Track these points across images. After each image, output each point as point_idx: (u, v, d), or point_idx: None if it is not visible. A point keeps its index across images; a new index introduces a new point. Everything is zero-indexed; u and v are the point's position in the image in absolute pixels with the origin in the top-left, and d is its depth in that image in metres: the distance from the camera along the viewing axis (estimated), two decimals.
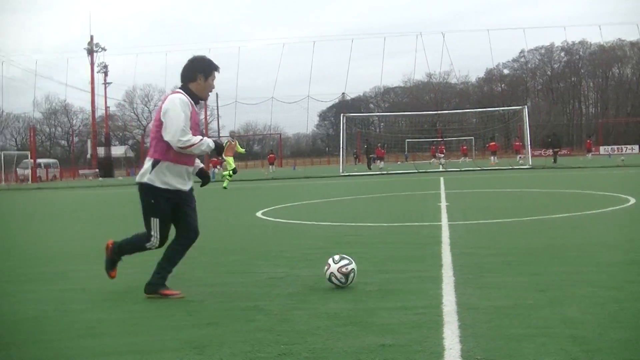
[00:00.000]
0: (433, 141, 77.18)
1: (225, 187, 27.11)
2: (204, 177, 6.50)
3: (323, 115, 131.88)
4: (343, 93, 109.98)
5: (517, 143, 57.37)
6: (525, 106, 48.65)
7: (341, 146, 45.25)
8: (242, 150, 29.54)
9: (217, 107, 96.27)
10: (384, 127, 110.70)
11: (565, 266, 6.74)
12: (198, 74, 6.14)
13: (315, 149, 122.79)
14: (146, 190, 5.99)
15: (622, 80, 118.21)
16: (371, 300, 5.60)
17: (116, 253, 6.31)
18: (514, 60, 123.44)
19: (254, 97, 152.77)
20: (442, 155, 61.02)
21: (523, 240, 8.71)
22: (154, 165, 5.95)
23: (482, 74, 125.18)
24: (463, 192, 20.13)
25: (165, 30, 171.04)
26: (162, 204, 5.99)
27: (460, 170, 39.57)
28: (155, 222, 6.02)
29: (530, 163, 41.25)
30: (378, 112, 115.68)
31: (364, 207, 16.24)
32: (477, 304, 5.23)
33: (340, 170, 41.37)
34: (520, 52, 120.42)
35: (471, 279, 6.27)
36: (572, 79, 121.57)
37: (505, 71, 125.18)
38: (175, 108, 5.87)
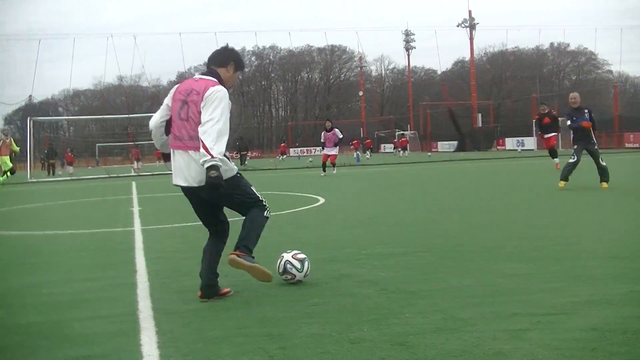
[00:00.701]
0: (126, 145, 76.11)
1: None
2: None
3: (9, 119, 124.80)
4: (30, 96, 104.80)
5: None
6: None
7: (27, 151, 43.11)
8: (17, 148, 27.96)
9: None
10: (73, 131, 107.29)
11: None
12: (230, 62, 5.90)
13: None
14: (234, 178, 5.56)
15: (310, 85, 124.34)
16: (63, 311, 5.34)
17: (249, 255, 5.57)
18: (205, 64, 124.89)
19: None
20: (139, 159, 60.04)
21: None
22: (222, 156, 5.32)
23: (174, 77, 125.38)
24: (156, 196, 19.97)
25: None
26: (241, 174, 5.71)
27: (153, 174, 39.29)
28: (253, 188, 5.80)
29: None
30: (67, 116, 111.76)
31: (54, 214, 15.54)
32: (174, 309, 5.19)
33: (28, 177, 39.40)
34: None
35: (167, 284, 6.21)
36: (263, 82, 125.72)
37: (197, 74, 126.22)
38: (224, 103, 5.43)
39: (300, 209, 12.99)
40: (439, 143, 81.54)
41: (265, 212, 5.73)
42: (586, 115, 15.02)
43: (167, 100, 5.77)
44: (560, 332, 4.11)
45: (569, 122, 15.21)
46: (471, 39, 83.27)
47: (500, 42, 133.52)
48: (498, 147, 70.54)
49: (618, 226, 8.87)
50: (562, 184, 14.93)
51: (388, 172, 29.68)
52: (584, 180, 15.68)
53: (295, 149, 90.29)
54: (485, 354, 3.78)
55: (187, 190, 5.58)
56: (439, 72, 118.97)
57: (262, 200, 5.76)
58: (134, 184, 27.66)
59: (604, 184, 14.65)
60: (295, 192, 17.83)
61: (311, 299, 5.32)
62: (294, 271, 6.02)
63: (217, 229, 5.84)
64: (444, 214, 11.16)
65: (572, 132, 15.49)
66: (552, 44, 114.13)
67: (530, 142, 62.14)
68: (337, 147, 26.67)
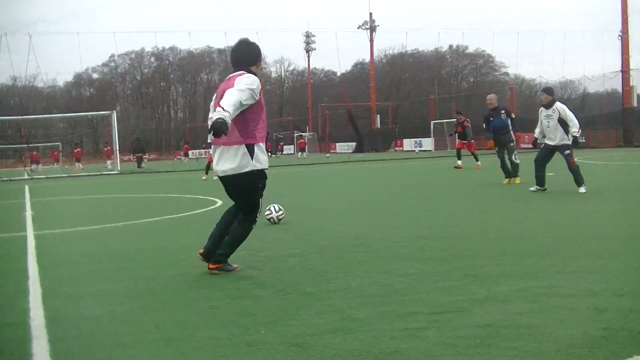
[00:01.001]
0: (19, 147, 73.96)
1: None
2: None
3: None
4: None
5: (107, 148, 56.97)
6: (114, 111, 48.46)
7: None
8: None
9: None
10: None
11: (156, 270, 6.75)
12: (259, 58, 6.44)
13: None
14: (255, 175, 6.20)
15: (210, 86, 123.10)
16: None
17: (224, 260, 6.39)
18: (103, 65, 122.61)
19: None
20: (37, 162, 58.43)
21: (117, 246, 8.61)
22: (250, 149, 6.13)
23: (70, 78, 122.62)
24: (50, 200, 19.46)
25: None
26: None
27: (47, 178, 38.32)
28: (260, 202, 6.40)
29: (119, 168, 41.21)
30: None
31: None
32: (67, 315, 5.04)
33: None
34: (111, 57, 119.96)
35: (61, 290, 6.03)
36: (162, 84, 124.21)
37: (95, 75, 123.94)
38: (251, 79, 6.05)
39: (196, 211, 12.83)
40: (338, 144, 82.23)
41: (253, 225, 6.44)
42: (502, 115, 15.87)
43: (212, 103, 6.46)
44: (456, 329, 4.17)
45: (484, 125, 16.02)
46: (371, 41, 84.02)
47: (400, 44, 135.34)
48: (396, 148, 71.56)
49: (513, 224, 9.09)
50: (517, 180, 16.14)
51: (286, 173, 29.72)
52: (486, 178, 16.01)
53: (194, 150, 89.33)
54: (383, 353, 3.80)
55: (222, 179, 6.33)
56: (338, 74, 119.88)
57: (256, 217, 6.43)
58: (26, 187, 26.86)
59: (517, 180, 15.84)
60: (193, 195, 17.62)
61: (208, 302, 5.26)
62: (272, 209, 10.03)
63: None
64: (344, 215, 11.23)
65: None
66: (451, 46, 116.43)
67: (428, 143, 63.32)
68: None
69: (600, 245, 7.04)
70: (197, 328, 4.50)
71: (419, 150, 62.06)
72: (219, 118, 5.54)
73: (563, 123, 13.17)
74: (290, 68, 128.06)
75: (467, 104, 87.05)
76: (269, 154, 64.39)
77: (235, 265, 6.48)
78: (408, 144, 69.01)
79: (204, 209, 13.14)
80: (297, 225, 9.97)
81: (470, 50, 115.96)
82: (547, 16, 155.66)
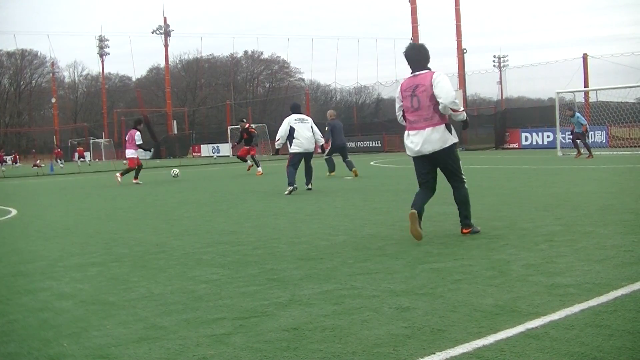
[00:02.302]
0: None
1: None
2: None
3: None
4: None
5: None
6: None
7: None
8: None
9: None
10: None
11: None
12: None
13: None
14: (454, 146, 7.64)
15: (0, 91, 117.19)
16: None
17: (470, 224, 7.81)
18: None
19: None
20: None
21: None
22: (448, 127, 7.57)
23: None
24: None
25: None
26: None
27: None
28: (461, 165, 7.80)
29: None
30: None
31: None
32: None
33: None
34: None
35: None
36: None
37: None
38: (446, 78, 7.49)
39: None
40: None
41: (465, 184, 7.79)
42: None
43: (398, 97, 7.89)
44: (262, 333, 4.20)
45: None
46: (166, 45, 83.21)
47: (195, 49, 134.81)
48: (194, 154, 71.22)
49: (308, 228, 9.22)
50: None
51: (82, 181, 28.83)
52: (276, 182, 16.10)
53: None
54: None
55: (423, 156, 7.66)
56: (134, 79, 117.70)
57: (464, 176, 7.77)
58: None
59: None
60: None
61: (5, 316, 5.02)
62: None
63: (428, 185, 7.77)
64: (142, 222, 11.03)
65: None
66: (246, 51, 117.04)
67: (226, 149, 63.38)
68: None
69: (398, 248, 7.29)
70: None
71: (217, 156, 62.05)
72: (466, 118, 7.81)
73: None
74: (84, 73, 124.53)
75: (263, 109, 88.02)
76: (59, 161, 61.98)
77: (478, 228, 7.91)
78: (206, 149, 68.88)
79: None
80: (97, 234, 9.71)
81: (266, 55, 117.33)
82: (341, 23, 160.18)
